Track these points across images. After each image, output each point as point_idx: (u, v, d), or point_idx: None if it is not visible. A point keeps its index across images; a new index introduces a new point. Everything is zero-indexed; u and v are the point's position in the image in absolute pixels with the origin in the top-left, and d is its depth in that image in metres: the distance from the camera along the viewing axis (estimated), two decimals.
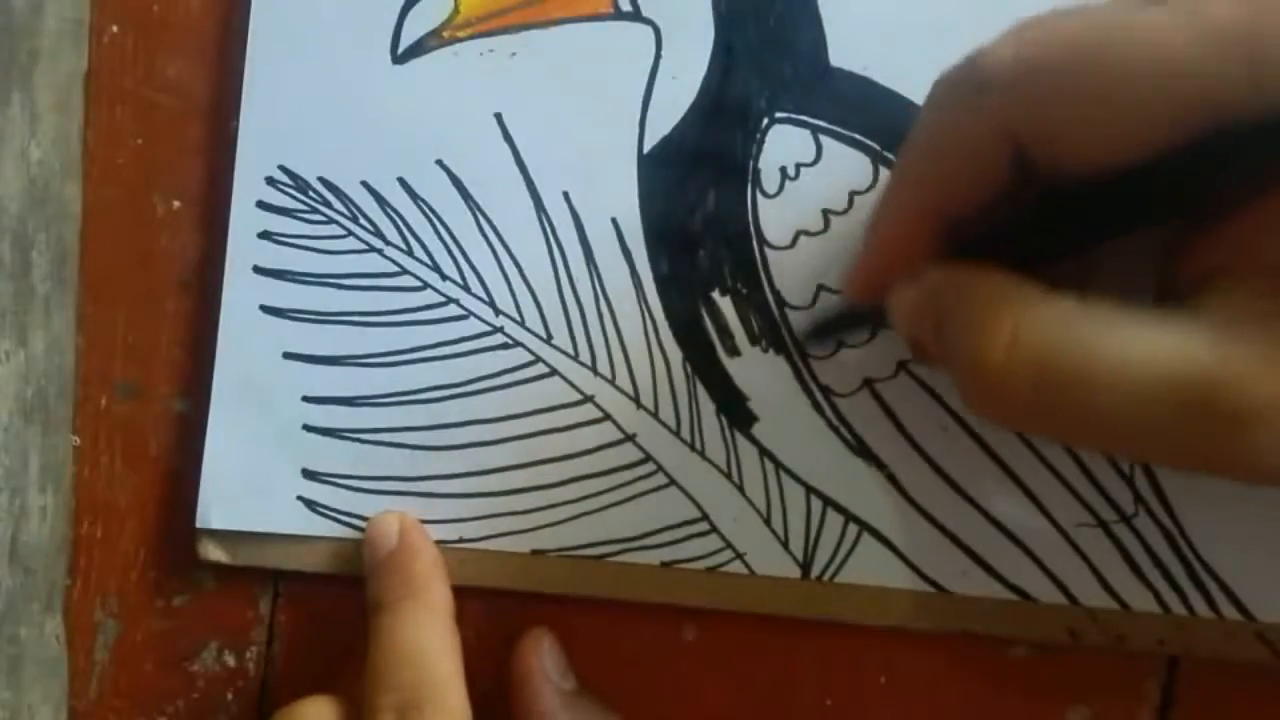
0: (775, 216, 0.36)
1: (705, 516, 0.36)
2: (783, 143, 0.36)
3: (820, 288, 0.36)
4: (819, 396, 0.36)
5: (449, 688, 0.32)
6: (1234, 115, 0.24)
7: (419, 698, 0.32)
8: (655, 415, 0.36)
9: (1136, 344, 0.25)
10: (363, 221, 0.37)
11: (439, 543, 0.36)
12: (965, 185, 0.29)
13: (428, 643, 0.33)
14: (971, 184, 0.28)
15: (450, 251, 0.36)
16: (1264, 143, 0.25)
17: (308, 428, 0.37)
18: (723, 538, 0.36)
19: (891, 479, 0.36)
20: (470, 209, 0.36)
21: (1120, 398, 0.25)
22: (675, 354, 0.36)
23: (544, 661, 0.36)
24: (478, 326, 0.36)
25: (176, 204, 0.38)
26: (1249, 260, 0.26)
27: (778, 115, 0.36)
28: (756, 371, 0.36)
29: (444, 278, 0.36)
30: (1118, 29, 0.26)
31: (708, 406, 0.36)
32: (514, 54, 0.36)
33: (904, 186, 0.31)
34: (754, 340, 0.36)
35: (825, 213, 0.35)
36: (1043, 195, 0.28)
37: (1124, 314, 0.26)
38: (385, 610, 0.34)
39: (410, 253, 0.37)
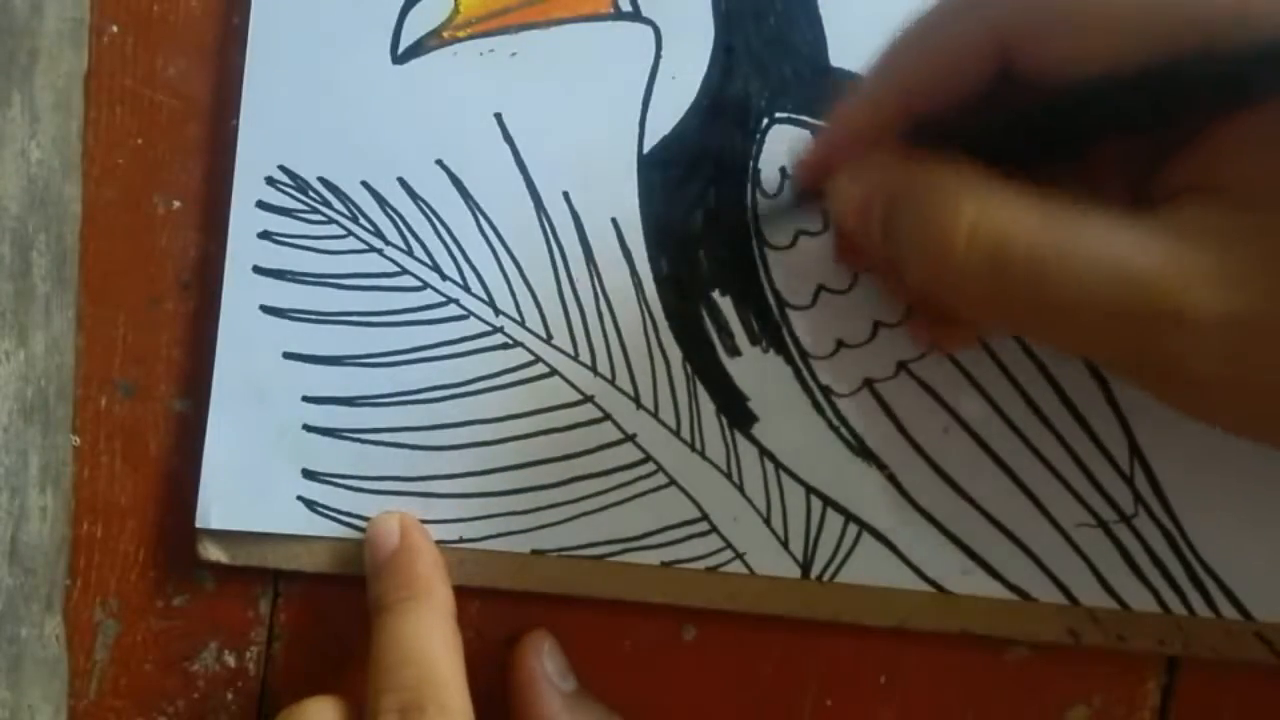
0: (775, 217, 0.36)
1: (705, 516, 0.36)
2: (783, 142, 0.36)
3: (820, 288, 0.36)
4: (819, 396, 0.36)
5: (451, 688, 0.32)
6: (1219, 41, 0.25)
7: (422, 698, 0.32)
8: (655, 415, 0.36)
9: (1094, 240, 0.26)
10: (363, 221, 0.37)
11: (439, 543, 0.36)
12: (942, 79, 0.29)
13: (430, 643, 0.33)
14: (949, 79, 0.29)
15: (450, 251, 0.36)
16: (1243, 70, 0.25)
17: (308, 428, 0.37)
18: (723, 538, 0.36)
19: (891, 479, 0.36)
20: (470, 209, 0.36)
21: (1072, 290, 0.26)
22: (675, 354, 0.36)
23: (545, 664, 0.36)
24: (478, 326, 0.36)
25: (176, 204, 0.38)
26: (1215, 179, 0.27)
27: (777, 115, 0.36)
28: (756, 371, 0.36)
29: (444, 278, 0.36)
30: None
31: (708, 407, 0.36)
32: (514, 54, 0.36)
33: (879, 75, 0.31)
34: (754, 340, 0.36)
35: (825, 212, 0.35)
36: (1019, 98, 0.28)
37: (1085, 212, 0.27)
38: (388, 611, 0.34)
39: (410, 253, 0.37)
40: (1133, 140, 0.29)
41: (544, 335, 0.36)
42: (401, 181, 0.36)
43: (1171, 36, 0.26)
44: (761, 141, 0.36)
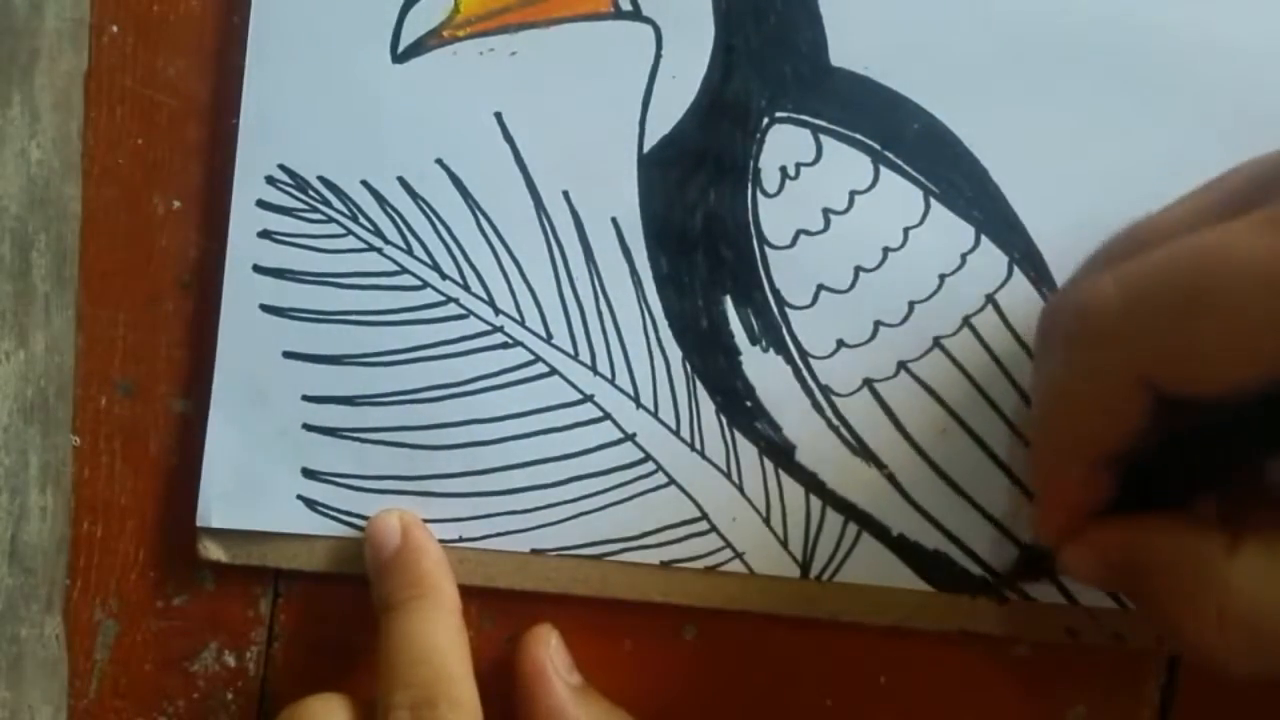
0: (775, 216, 0.36)
1: (705, 516, 0.36)
2: (783, 142, 0.36)
3: (820, 287, 0.36)
4: (819, 396, 0.36)
5: (461, 684, 0.33)
6: None
7: (433, 694, 0.32)
8: (655, 415, 0.36)
9: None
10: (362, 220, 0.37)
11: (439, 542, 0.36)
12: (1112, 428, 0.28)
13: (439, 640, 0.34)
14: (1117, 425, 0.28)
15: (450, 251, 0.36)
16: None
17: (308, 427, 0.37)
18: (722, 537, 0.36)
19: (891, 479, 0.36)
20: (470, 208, 0.36)
21: None
22: (675, 354, 0.36)
23: (552, 656, 0.36)
24: (477, 326, 0.36)
25: (176, 204, 0.38)
26: None
27: (778, 115, 0.36)
28: (756, 371, 0.36)
29: (444, 277, 0.36)
30: (1212, 255, 0.26)
31: (707, 406, 0.36)
32: (514, 53, 0.36)
33: (1054, 441, 0.30)
34: (754, 340, 0.36)
35: (825, 212, 0.35)
36: (1190, 422, 0.28)
37: None
38: (395, 610, 0.34)
39: (410, 252, 0.37)
40: None
41: (544, 335, 0.36)
42: (401, 181, 0.36)
43: None
44: (762, 141, 0.36)
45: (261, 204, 0.37)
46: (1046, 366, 0.30)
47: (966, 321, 0.35)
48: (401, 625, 0.34)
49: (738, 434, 0.36)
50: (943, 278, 0.35)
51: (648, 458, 0.36)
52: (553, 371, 0.36)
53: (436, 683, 0.32)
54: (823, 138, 0.36)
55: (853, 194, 0.35)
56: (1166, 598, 0.29)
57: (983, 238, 0.35)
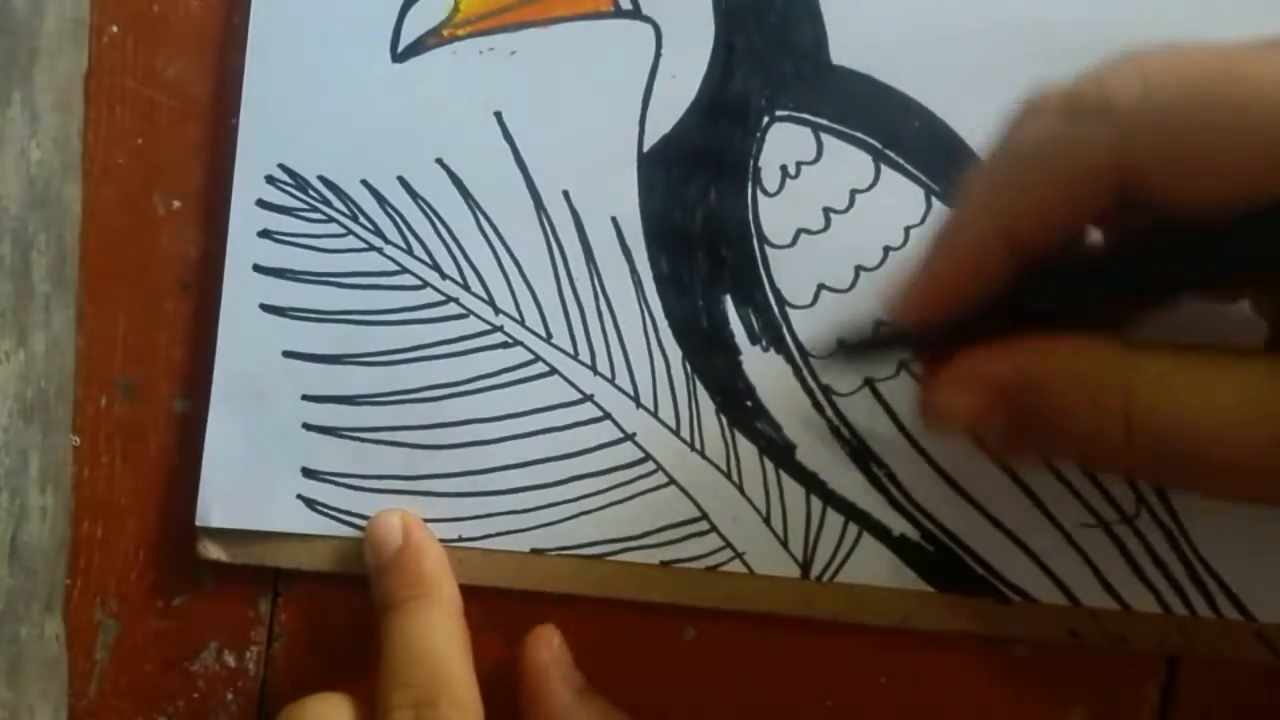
0: (776, 215, 0.36)
1: (705, 516, 0.36)
2: (783, 141, 0.36)
3: (821, 287, 0.36)
4: (819, 396, 0.36)
5: (462, 684, 0.33)
6: None
7: (434, 694, 0.32)
8: (655, 414, 0.36)
9: (1248, 396, 0.25)
10: (362, 220, 0.37)
11: (439, 542, 0.36)
12: (1058, 211, 0.27)
13: (440, 641, 0.34)
14: (1066, 210, 0.27)
15: (450, 250, 0.36)
16: None
17: (307, 426, 0.37)
18: (722, 537, 0.36)
19: (891, 479, 0.36)
20: (470, 208, 0.36)
21: (1242, 454, 0.25)
22: (675, 353, 0.36)
23: (555, 657, 0.36)
24: (477, 325, 0.36)
25: (176, 204, 0.38)
26: None
27: (778, 113, 0.36)
28: (756, 371, 0.36)
29: (444, 276, 0.36)
30: (1255, 64, 0.25)
31: (707, 406, 0.36)
32: (514, 52, 0.36)
33: (984, 203, 0.29)
34: (754, 339, 0.36)
35: (826, 211, 0.35)
36: (1145, 234, 0.27)
37: (1226, 363, 0.26)
38: (396, 610, 0.34)
39: (410, 251, 0.37)
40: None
41: (543, 334, 0.36)
42: (401, 180, 0.36)
43: None
44: (762, 140, 0.36)
45: (261, 204, 0.37)
46: (1021, 130, 0.28)
47: None
48: (402, 625, 0.34)
49: (738, 434, 0.36)
50: None
51: (647, 457, 0.36)
52: (552, 371, 0.36)
53: (437, 682, 0.32)
54: (823, 136, 0.36)
55: (853, 193, 0.35)
56: (1069, 409, 0.27)
57: None
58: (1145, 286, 0.28)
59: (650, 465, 0.36)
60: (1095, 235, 0.29)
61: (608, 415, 0.36)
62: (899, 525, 0.36)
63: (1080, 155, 0.26)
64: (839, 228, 0.35)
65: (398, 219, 0.37)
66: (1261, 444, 0.25)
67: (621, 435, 0.36)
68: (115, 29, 0.38)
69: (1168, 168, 0.25)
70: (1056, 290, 0.28)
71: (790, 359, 0.36)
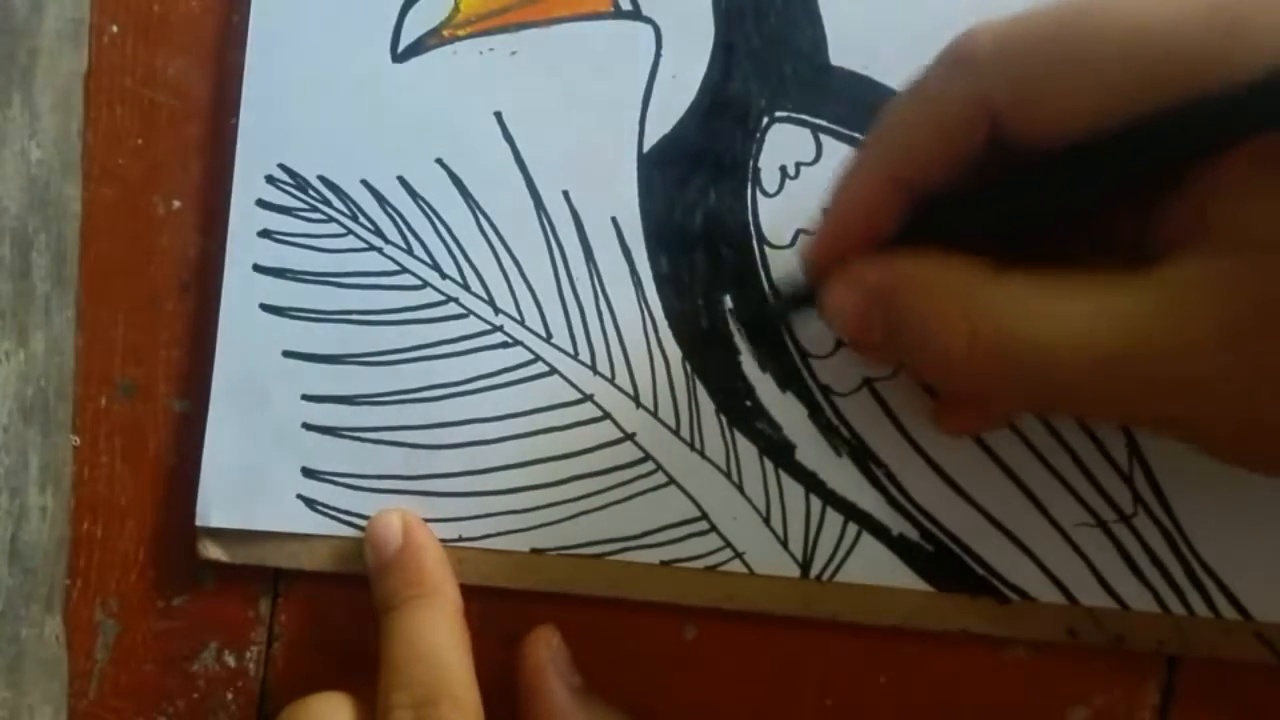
0: (775, 215, 0.36)
1: (705, 515, 0.36)
2: (783, 141, 0.36)
3: None
4: (819, 396, 0.36)
5: (463, 683, 0.33)
6: (1203, 85, 0.25)
7: (434, 694, 0.32)
8: (655, 414, 0.36)
9: (1097, 320, 0.27)
10: (362, 220, 0.37)
11: (439, 542, 0.36)
12: (937, 154, 0.29)
13: (441, 640, 0.34)
14: (943, 153, 0.29)
15: (450, 250, 0.36)
16: (1228, 113, 0.25)
17: (307, 426, 0.37)
18: (722, 537, 0.36)
19: (891, 479, 0.36)
20: (470, 208, 0.36)
21: (1083, 373, 0.27)
22: (675, 353, 0.36)
23: (554, 658, 0.36)
24: (477, 325, 0.36)
25: (176, 204, 0.38)
26: (1201, 225, 0.27)
27: (777, 114, 0.36)
28: (756, 371, 0.36)
29: (444, 276, 0.37)
30: (1100, 5, 0.27)
31: (707, 406, 0.36)
32: (514, 52, 0.36)
33: (873, 153, 0.31)
34: (754, 340, 0.36)
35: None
36: (1014, 166, 0.28)
37: (1075, 287, 0.27)
38: (397, 610, 0.34)
39: (410, 251, 0.37)
40: (1132, 193, 0.29)
41: (543, 334, 0.36)
42: (401, 180, 0.37)
43: (1154, 85, 0.26)
44: (761, 141, 0.36)
45: (261, 203, 0.37)
46: (906, 88, 0.31)
47: None
48: (402, 625, 0.34)
49: (738, 433, 0.36)
50: None
51: (647, 457, 0.36)
52: (552, 371, 0.36)
53: (438, 681, 0.32)
54: (823, 137, 0.36)
55: None
56: (920, 317, 0.29)
57: None
58: (1011, 217, 0.29)
59: (650, 465, 0.36)
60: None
61: (608, 415, 0.36)
62: (898, 525, 0.36)
63: (947, 104, 0.29)
64: None
65: (398, 219, 0.37)
66: (1083, 365, 0.27)
67: (621, 435, 0.36)
68: (115, 29, 0.38)
69: (1020, 106, 0.28)
70: (934, 225, 0.30)
71: (790, 358, 0.36)
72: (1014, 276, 0.28)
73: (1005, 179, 0.29)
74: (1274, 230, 0.26)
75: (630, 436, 0.36)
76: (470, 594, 0.36)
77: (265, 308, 0.37)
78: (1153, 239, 0.28)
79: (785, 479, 0.36)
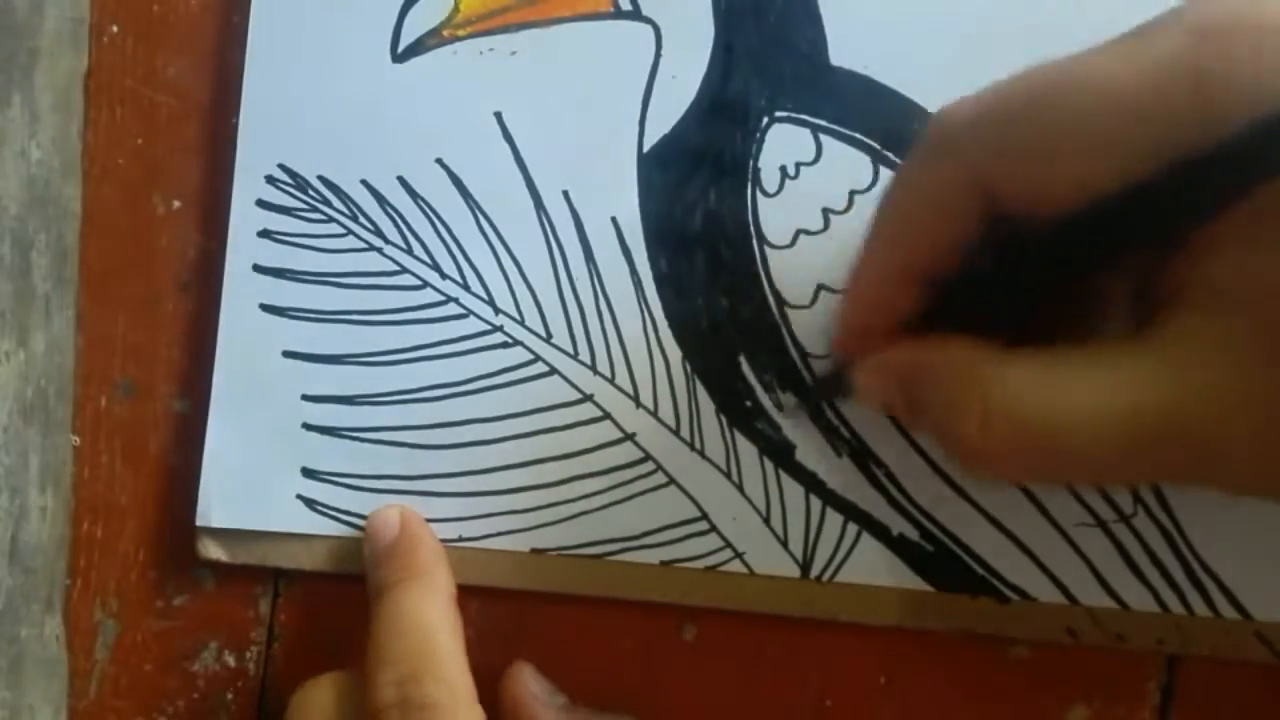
0: (775, 215, 0.36)
1: (704, 515, 0.36)
2: (783, 142, 0.36)
3: (820, 287, 0.36)
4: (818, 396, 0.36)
5: (449, 661, 0.32)
6: (1184, 147, 0.25)
7: (419, 670, 0.32)
8: (655, 414, 0.36)
9: (1106, 391, 0.27)
10: (362, 220, 0.37)
11: (438, 541, 0.36)
12: (937, 239, 0.30)
13: (428, 617, 0.33)
14: (943, 237, 0.29)
15: (450, 250, 0.36)
16: (1213, 172, 0.25)
17: (307, 426, 0.37)
18: (722, 537, 0.36)
19: (891, 479, 0.36)
20: (470, 208, 0.36)
21: (1093, 444, 0.27)
22: (675, 353, 0.36)
23: (531, 686, 0.36)
24: (477, 325, 0.36)
25: (176, 204, 0.38)
26: (1199, 283, 0.27)
27: (778, 114, 0.36)
28: (756, 370, 0.36)
29: (444, 276, 0.37)
30: (1065, 74, 0.27)
31: (707, 406, 0.36)
32: (514, 53, 0.36)
33: (877, 245, 0.31)
34: (753, 340, 0.36)
35: (825, 212, 0.35)
36: (1013, 242, 0.29)
37: (1084, 360, 0.28)
38: (387, 591, 0.34)
39: (410, 251, 0.37)
40: (1132, 258, 0.29)
41: (543, 334, 0.36)
42: (401, 180, 0.37)
43: (1134, 147, 0.26)
44: (761, 141, 0.36)
45: (261, 204, 0.37)
46: (899, 174, 0.31)
47: None
48: (391, 604, 0.34)
49: (738, 434, 0.36)
50: None
51: (647, 457, 0.36)
52: (552, 371, 0.36)
53: (423, 657, 0.32)
54: (823, 137, 0.36)
55: (853, 193, 0.35)
56: (937, 400, 0.30)
57: None
58: (1017, 291, 0.30)
59: (650, 465, 0.36)
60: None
61: (607, 415, 0.36)
62: (898, 525, 0.36)
63: (936, 188, 0.29)
64: (838, 228, 0.35)
65: (398, 219, 0.37)
66: (1096, 439, 0.27)
67: (621, 435, 0.36)
68: (115, 29, 0.38)
69: (1007, 177, 0.28)
70: (951, 306, 0.30)
71: (790, 359, 0.36)
72: (1023, 357, 0.29)
73: (1009, 257, 0.29)
74: (1275, 281, 0.26)
75: (630, 436, 0.36)
76: (470, 594, 0.36)
77: (265, 308, 0.37)
78: (1153, 293, 0.28)
79: (785, 479, 0.36)
